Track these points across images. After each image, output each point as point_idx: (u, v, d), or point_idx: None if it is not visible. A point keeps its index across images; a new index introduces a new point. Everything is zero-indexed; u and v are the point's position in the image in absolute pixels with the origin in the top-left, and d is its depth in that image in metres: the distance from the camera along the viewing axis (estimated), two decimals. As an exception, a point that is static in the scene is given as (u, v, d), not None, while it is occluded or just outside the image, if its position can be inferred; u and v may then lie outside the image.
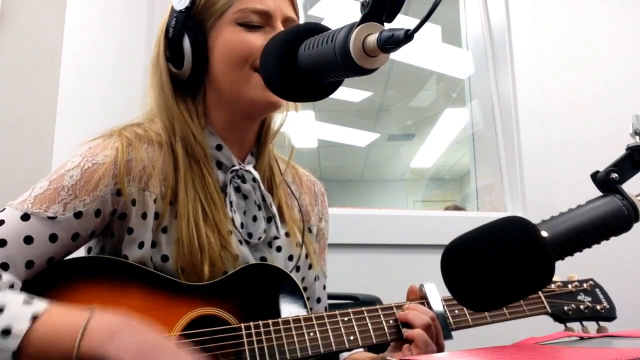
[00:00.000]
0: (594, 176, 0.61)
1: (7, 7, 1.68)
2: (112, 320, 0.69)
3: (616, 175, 0.60)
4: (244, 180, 0.97)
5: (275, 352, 0.82)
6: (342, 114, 4.56)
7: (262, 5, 0.90)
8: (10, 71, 1.67)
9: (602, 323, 0.98)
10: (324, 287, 1.10)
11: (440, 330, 0.91)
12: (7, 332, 0.67)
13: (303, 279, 1.02)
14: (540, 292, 1.00)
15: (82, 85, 1.72)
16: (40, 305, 0.71)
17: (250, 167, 0.98)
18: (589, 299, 1.02)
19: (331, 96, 0.73)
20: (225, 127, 0.97)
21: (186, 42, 0.91)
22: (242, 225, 0.94)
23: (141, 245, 0.87)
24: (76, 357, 0.66)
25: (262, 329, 0.83)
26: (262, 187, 0.98)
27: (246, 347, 0.82)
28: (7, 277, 0.76)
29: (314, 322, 0.86)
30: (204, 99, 0.96)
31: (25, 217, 0.81)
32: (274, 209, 0.98)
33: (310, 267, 1.03)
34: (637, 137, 0.62)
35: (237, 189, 0.96)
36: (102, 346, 0.66)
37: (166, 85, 0.94)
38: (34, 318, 0.69)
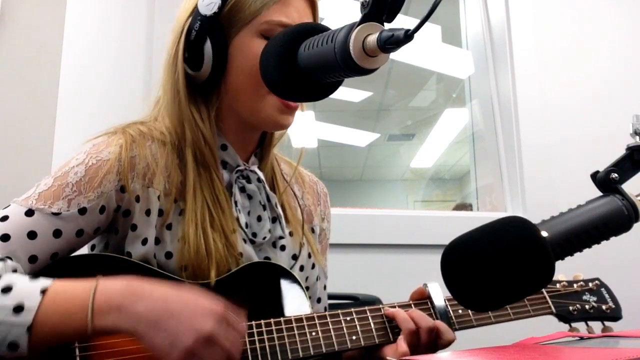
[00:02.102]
0: (594, 176, 0.61)
1: (7, 7, 1.68)
2: (118, 291, 0.71)
3: (616, 175, 0.60)
4: (249, 181, 0.97)
5: (277, 352, 0.82)
6: (342, 114, 4.57)
7: (289, 19, 0.89)
8: (10, 71, 1.66)
9: (607, 323, 0.97)
10: (325, 287, 1.10)
11: (433, 341, 0.88)
12: (19, 308, 0.69)
13: (306, 278, 1.02)
14: (544, 292, 0.99)
15: (82, 85, 1.72)
16: (45, 280, 0.73)
17: (255, 168, 0.98)
18: (595, 298, 1.00)
19: (331, 96, 0.73)
20: (232, 130, 0.97)
21: (207, 47, 0.89)
22: (246, 225, 0.94)
23: (144, 241, 0.88)
24: (92, 333, 0.70)
25: (264, 328, 0.83)
26: (267, 188, 0.98)
27: (248, 346, 0.82)
28: (10, 262, 0.78)
29: (317, 321, 0.86)
30: (216, 101, 0.95)
31: (30, 212, 0.81)
32: (279, 209, 0.99)
33: (313, 266, 1.03)
34: (637, 137, 0.62)
35: (242, 189, 0.96)
36: (114, 322, 0.69)
37: (182, 88, 0.93)
38: (43, 292, 0.71)
